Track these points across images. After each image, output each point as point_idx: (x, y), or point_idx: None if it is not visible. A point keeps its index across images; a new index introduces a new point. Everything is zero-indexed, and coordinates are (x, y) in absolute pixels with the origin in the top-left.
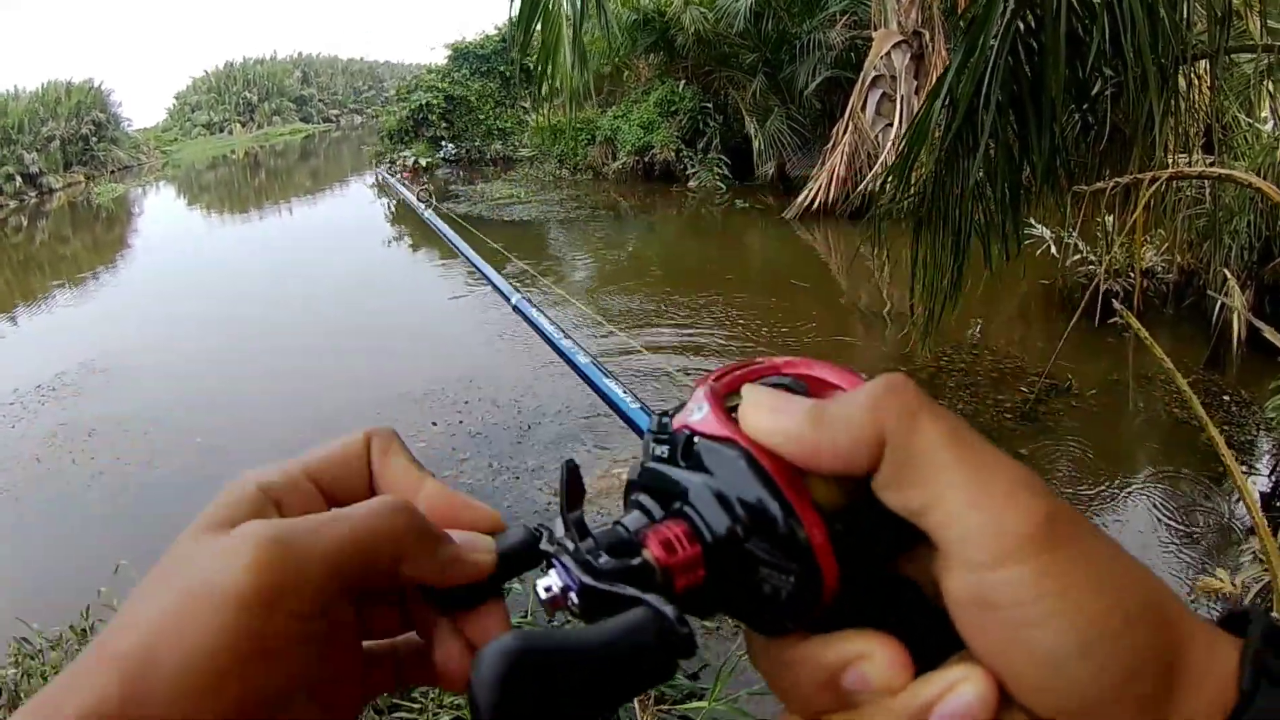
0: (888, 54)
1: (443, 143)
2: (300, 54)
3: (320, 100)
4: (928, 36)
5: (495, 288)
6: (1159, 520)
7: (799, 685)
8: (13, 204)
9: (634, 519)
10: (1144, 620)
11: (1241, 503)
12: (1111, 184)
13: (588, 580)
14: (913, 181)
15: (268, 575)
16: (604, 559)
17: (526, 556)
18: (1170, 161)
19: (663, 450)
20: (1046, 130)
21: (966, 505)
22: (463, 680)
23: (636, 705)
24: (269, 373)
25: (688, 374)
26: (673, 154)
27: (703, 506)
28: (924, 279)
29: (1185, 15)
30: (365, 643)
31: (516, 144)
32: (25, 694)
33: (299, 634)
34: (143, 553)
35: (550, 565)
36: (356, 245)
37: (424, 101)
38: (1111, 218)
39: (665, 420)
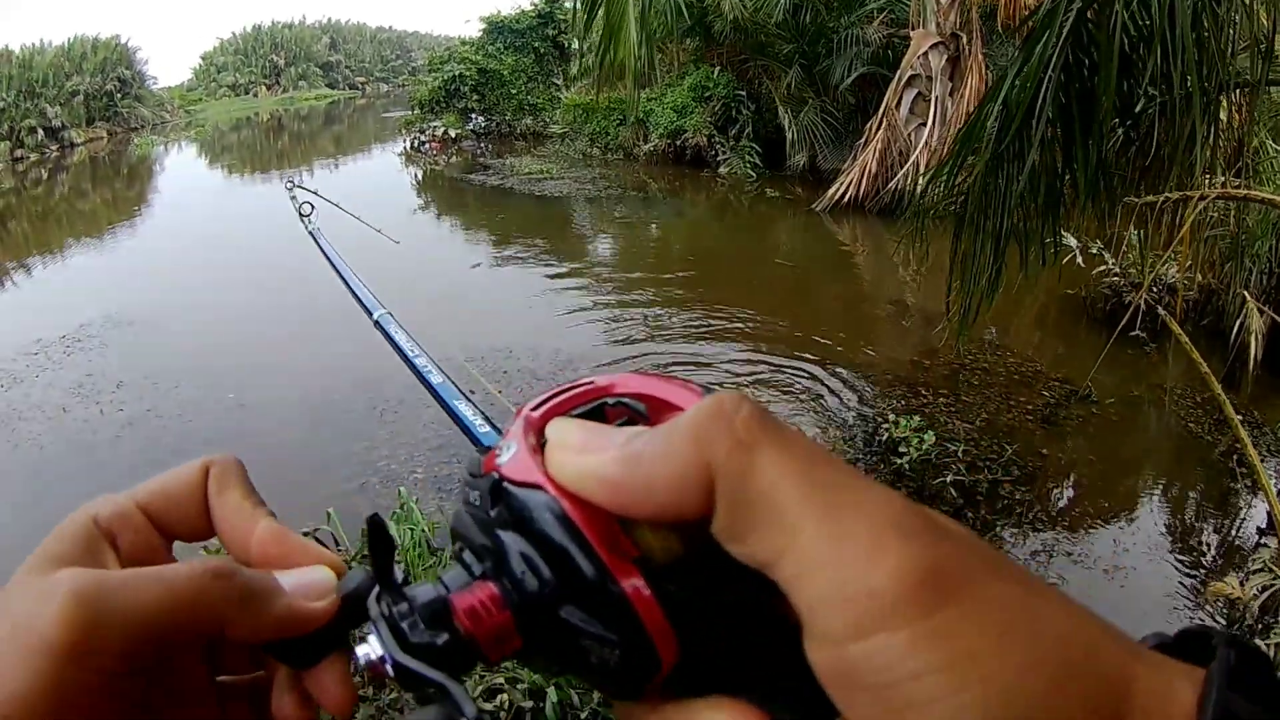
0: (924, 54)
1: (472, 115)
2: (329, 20)
3: (347, 67)
4: (965, 40)
5: (359, 301)
6: (1171, 528)
7: None
8: (33, 157)
9: (453, 576)
10: (1070, 677)
11: (1249, 517)
12: (1162, 199)
13: (399, 658)
14: (956, 182)
15: (73, 631)
16: (418, 629)
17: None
18: (1204, 182)
19: (475, 496)
20: (1095, 143)
21: (819, 559)
22: None
23: None
24: (300, 332)
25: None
26: (705, 139)
27: (511, 566)
28: (963, 277)
29: (1232, 45)
30: (221, 678)
31: (547, 120)
32: None
33: (110, 689)
34: None
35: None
36: (387, 207)
37: (457, 73)
38: (1141, 232)
39: (478, 459)
